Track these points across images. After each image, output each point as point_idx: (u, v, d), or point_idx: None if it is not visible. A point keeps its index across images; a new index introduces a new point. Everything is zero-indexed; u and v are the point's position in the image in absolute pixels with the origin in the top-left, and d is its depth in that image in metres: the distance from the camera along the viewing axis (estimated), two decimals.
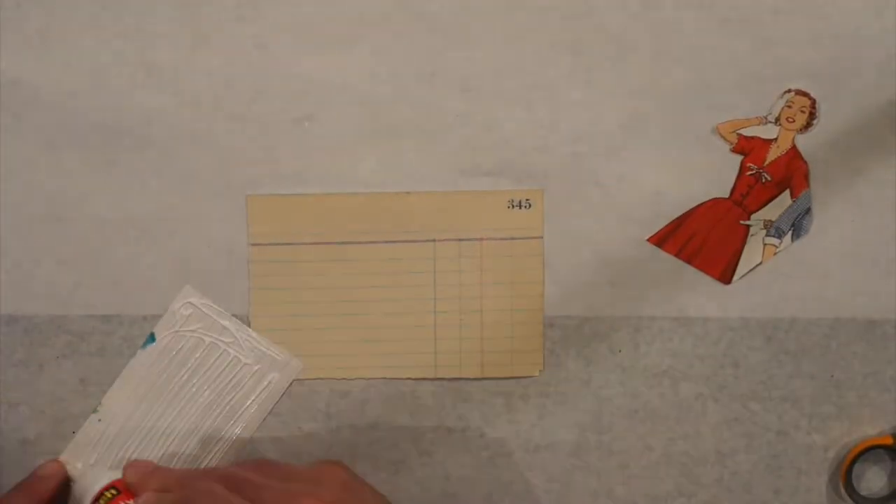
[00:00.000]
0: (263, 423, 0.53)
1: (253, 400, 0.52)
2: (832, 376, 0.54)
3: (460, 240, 0.53)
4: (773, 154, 0.53)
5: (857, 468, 0.54)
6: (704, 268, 0.54)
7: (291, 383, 0.53)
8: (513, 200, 0.53)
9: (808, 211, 0.53)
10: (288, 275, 0.53)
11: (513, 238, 0.53)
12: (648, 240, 0.54)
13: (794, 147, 0.53)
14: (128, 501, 0.48)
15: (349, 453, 0.53)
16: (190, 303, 0.52)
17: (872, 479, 0.55)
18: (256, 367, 0.52)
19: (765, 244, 0.54)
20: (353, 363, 0.53)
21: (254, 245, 0.53)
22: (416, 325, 0.53)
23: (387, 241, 0.53)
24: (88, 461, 0.52)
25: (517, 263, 0.53)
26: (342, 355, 0.53)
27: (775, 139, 0.53)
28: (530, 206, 0.53)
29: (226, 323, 0.52)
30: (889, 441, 0.54)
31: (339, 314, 0.53)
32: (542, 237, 0.53)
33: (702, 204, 0.53)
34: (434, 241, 0.53)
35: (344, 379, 0.53)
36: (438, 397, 0.54)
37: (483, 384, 0.54)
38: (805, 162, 0.53)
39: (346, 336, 0.53)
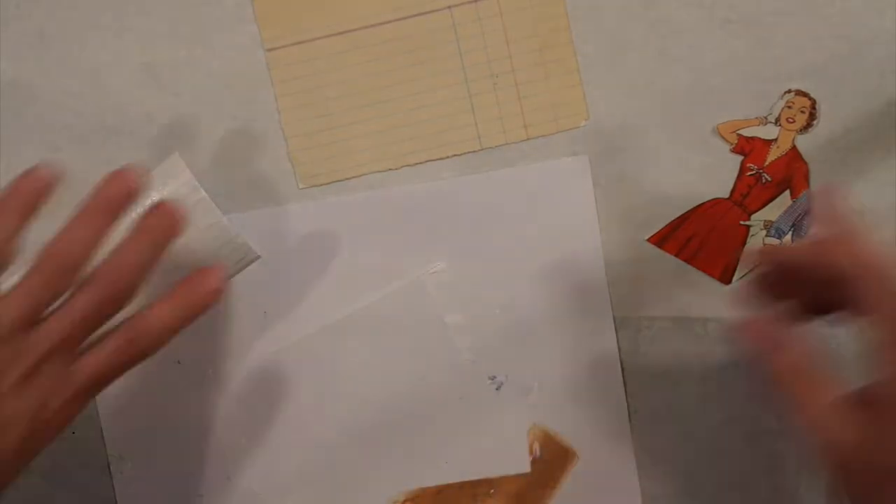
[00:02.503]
0: None
1: None
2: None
3: (478, 0, 0.52)
4: (773, 154, 0.53)
5: None
6: (704, 268, 0.54)
7: None
8: None
9: (807, 211, 0.54)
10: (309, 75, 0.52)
11: None
12: (648, 240, 0.54)
13: (794, 147, 0.53)
14: None
15: None
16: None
17: None
18: None
19: (765, 244, 0.54)
20: (397, 151, 0.52)
21: (270, 50, 0.52)
22: (451, 98, 0.52)
23: (403, 18, 0.52)
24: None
25: (538, 13, 0.52)
26: (382, 146, 0.52)
27: (775, 139, 0.53)
28: None
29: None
30: None
31: (370, 104, 0.52)
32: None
33: (702, 204, 0.53)
34: (450, 7, 0.52)
35: (390, 170, 0.53)
36: None
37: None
38: (805, 162, 0.53)
39: (381, 126, 0.52)
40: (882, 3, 0.52)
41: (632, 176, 0.53)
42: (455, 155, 0.53)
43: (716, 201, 0.53)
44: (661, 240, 0.54)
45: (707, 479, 0.55)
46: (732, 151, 0.53)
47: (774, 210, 0.53)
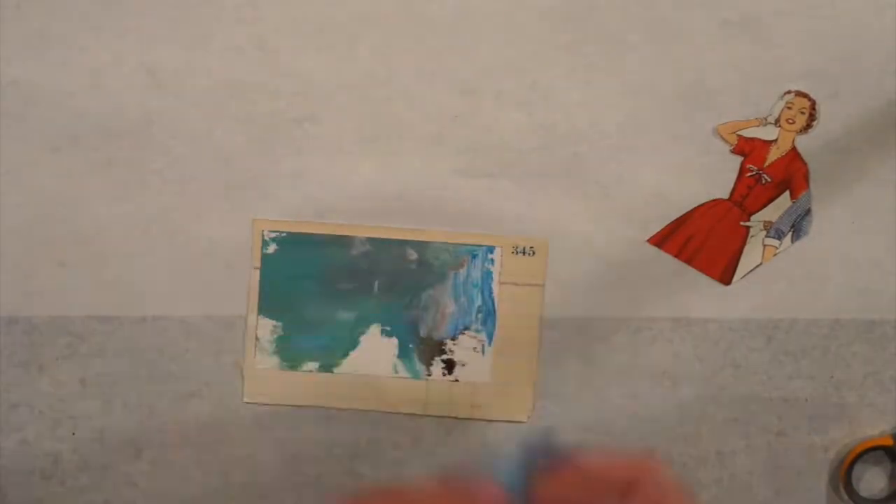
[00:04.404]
0: None
1: None
2: (832, 377, 0.54)
3: None
4: (773, 155, 0.53)
5: (856, 469, 0.54)
6: (704, 269, 0.54)
7: None
8: (517, 247, 0.53)
9: (807, 212, 0.54)
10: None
11: (514, 283, 0.53)
12: (648, 241, 0.54)
13: (793, 148, 0.53)
14: None
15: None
16: None
17: (872, 480, 0.55)
18: None
19: (765, 245, 0.54)
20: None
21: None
22: None
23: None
24: None
25: (517, 310, 0.53)
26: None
27: (775, 140, 0.53)
28: (534, 253, 0.53)
29: None
30: (889, 442, 0.54)
31: None
32: (542, 285, 0.53)
33: (702, 205, 0.53)
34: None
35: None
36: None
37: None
38: (805, 163, 0.53)
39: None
40: (882, 3, 0.52)
41: (632, 176, 0.53)
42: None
43: (716, 202, 0.53)
44: (661, 240, 0.54)
45: (707, 480, 0.55)
46: (732, 152, 0.53)
47: (774, 211, 0.53)
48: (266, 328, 0.53)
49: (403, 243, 0.52)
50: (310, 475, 0.54)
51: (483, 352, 0.53)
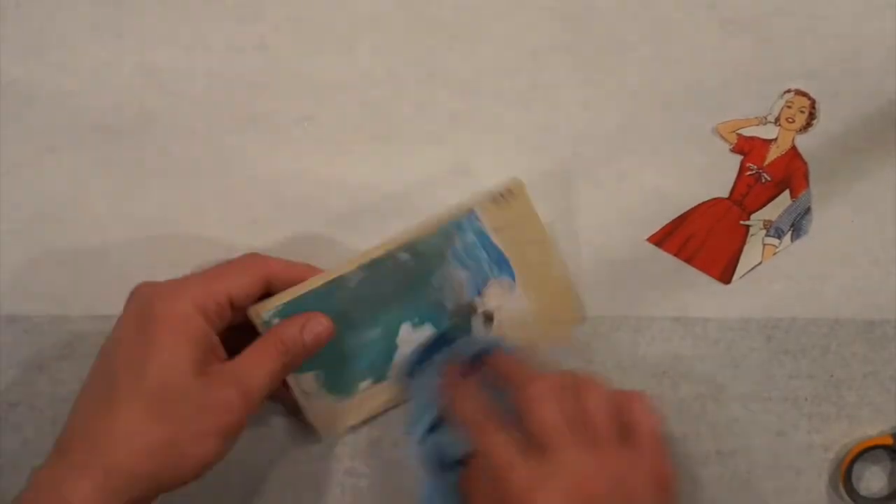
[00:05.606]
0: None
1: None
2: (832, 376, 0.54)
3: None
4: (772, 154, 0.53)
5: (856, 468, 0.54)
6: (704, 268, 0.54)
7: None
8: (492, 196, 0.50)
9: (807, 211, 0.54)
10: None
11: (508, 226, 0.51)
12: (648, 239, 0.54)
13: (793, 147, 0.53)
14: None
15: None
16: None
17: (872, 479, 0.55)
18: None
19: (764, 244, 0.54)
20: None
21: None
22: None
23: None
24: None
25: (522, 245, 0.51)
26: None
27: (775, 139, 0.53)
28: (513, 194, 0.51)
29: None
30: (889, 441, 0.54)
31: None
32: (535, 214, 0.51)
33: (701, 204, 0.53)
34: None
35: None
36: None
37: None
38: (804, 162, 0.53)
39: None
40: (882, 3, 0.52)
41: (632, 176, 0.53)
42: None
43: (715, 201, 0.53)
44: (660, 239, 0.54)
45: (707, 479, 0.55)
46: (732, 151, 0.53)
47: (774, 210, 0.53)
48: (308, 381, 0.51)
49: (393, 253, 0.51)
50: (308, 475, 0.54)
51: (511, 291, 0.52)
